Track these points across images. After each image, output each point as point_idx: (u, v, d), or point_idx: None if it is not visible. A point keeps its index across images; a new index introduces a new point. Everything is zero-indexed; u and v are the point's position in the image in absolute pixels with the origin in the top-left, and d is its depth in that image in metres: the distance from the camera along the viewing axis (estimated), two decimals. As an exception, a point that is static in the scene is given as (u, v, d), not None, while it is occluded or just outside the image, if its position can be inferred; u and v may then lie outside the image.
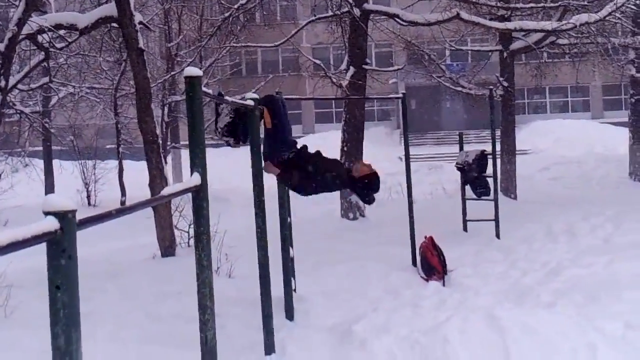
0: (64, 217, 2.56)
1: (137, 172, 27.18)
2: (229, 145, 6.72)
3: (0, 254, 2.28)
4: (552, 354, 6.35)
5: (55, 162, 28.01)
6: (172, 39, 26.40)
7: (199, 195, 4.38)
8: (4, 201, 22.08)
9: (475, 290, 8.87)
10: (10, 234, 2.36)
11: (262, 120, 6.99)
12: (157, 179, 11.88)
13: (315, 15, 17.27)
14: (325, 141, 40.86)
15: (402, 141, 11.29)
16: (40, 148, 28.20)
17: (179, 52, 26.56)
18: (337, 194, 15.97)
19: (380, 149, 38.18)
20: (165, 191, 3.95)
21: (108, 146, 31.66)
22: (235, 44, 24.12)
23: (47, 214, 2.58)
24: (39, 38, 10.88)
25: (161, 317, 8.32)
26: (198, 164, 4.40)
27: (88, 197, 26.89)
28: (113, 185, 26.63)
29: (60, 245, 2.57)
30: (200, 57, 24.78)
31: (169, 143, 28.11)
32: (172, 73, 25.27)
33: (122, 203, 25.33)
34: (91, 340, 5.47)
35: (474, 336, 6.85)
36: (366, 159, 16.07)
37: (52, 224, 2.54)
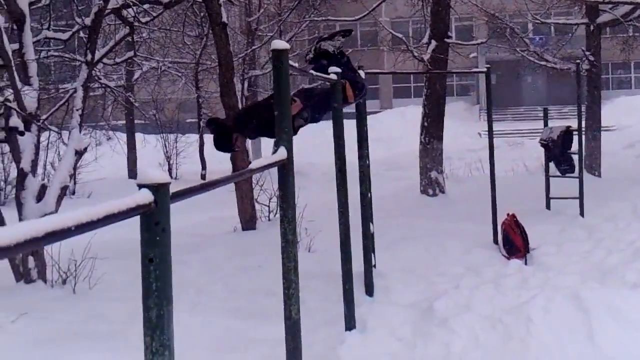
0: (158, 190, 2.57)
1: (217, 146, 27.57)
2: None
3: (97, 227, 2.31)
4: (638, 335, 6.20)
5: (138, 136, 28.55)
6: (253, 13, 26.48)
7: (285, 169, 4.38)
8: (88, 174, 22.62)
9: (559, 270, 8.69)
10: (106, 207, 2.39)
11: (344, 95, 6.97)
12: (239, 154, 11.98)
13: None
14: (404, 116, 40.91)
15: (482, 117, 11.12)
16: (123, 122, 28.77)
17: (259, 27, 26.65)
18: (417, 171, 15.88)
19: (460, 125, 37.81)
20: (254, 164, 3.96)
21: (189, 120, 32.07)
22: (315, 18, 24.08)
23: (141, 186, 2.60)
24: (124, 12, 11.03)
25: (242, 290, 8.42)
26: (284, 137, 4.40)
27: (169, 170, 27.35)
28: (193, 159, 27.05)
29: (154, 218, 2.59)
30: (280, 31, 24.81)
31: (248, 117, 28.29)
32: (253, 47, 25.38)
33: (203, 176, 25.70)
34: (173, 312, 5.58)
35: (558, 316, 6.72)
36: (446, 134, 15.97)
37: (147, 196, 2.55)
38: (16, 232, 1.95)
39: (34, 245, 2.02)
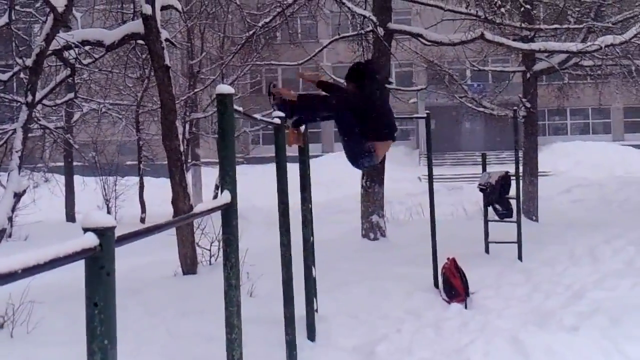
0: (104, 233, 2.56)
1: (157, 189, 27.38)
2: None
3: (44, 270, 2.29)
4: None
5: (78, 178, 28.19)
6: (195, 56, 26.55)
7: (229, 213, 4.39)
8: (25, 216, 22.21)
9: (498, 313, 8.81)
10: (52, 251, 2.37)
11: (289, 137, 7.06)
12: (180, 196, 11.90)
13: (339, 34, 17.28)
14: (345, 160, 41.14)
15: (421, 161, 11.28)
16: (62, 164, 28.38)
17: (201, 69, 26.71)
18: (358, 214, 15.97)
19: (400, 169, 38.18)
20: (198, 208, 3.96)
21: (128, 162, 31.82)
22: (257, 62, 24.21)
23: (86, 230, 2.58)
24: (65, 54, 10.97)
25: (183, 335, 8.32)
26: (229, 181, 4.41)
27: (108, 213, 26.98)
28: (133, 202, 26.77)
29: (99, 262, 2.57)
30: (222, 75, 24.89)
31: (189, 160, 28.25)
32: (195, 90, 25.40)
33: (142, 220, 25.43)
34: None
35: (497, 359, 6.81)
36: (387, 178, 16.13)
37: (92, 240, 2.54)
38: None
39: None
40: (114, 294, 2.65)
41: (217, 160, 15.10)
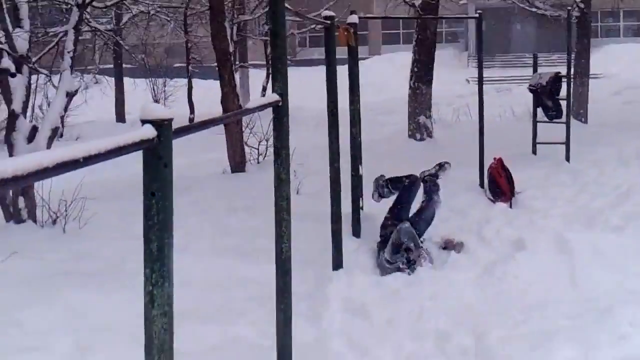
0: (161, 125, 2.66)
1: (205, 91, 27.51)
2: None
3: (103, 159, 2.39)
4: (621, 278, 6.38)
5: (127, 80, 28.42)
6: (243, -43, 26.19)
7: (280, 109, 4.47)
8: (76, 117, 22.56)
9: (544, 213, 8.83)
10: (111, 141, 2.48)
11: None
12: (229, 96, 12.04)
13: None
14: (392, 62, 40.74)
15: (470, 64, 11.17)
16: (112, 66, 28.59)
17: (248, -30, 26.38)
18: (405, 117, 15.96)
19: (448, 71, 37.72)
20: (250, 104, 4.05)
21: (177, 65, 31.90)
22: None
23: (144, 122, 2.68)
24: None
25: (232, 230, 8.55)
26: (279, 79, 4.48)
27: (159, 112, 27.23)
28: (181, 103, 26.97)
29: (156, 153, 2.68)
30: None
31: (236, 62, 28.22)
32: (243, -9, 25.16)
33: (191, 120, 25.67)
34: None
35: (542, 257, 6.91)
36: (435, 80, 16.02)
37: (150, 131, 2.64)
38: (27, 162, 2.02)
39: (43, 175, 2.08)
40: (171, 185, 2.76)
41: (265, 63, 15.24)
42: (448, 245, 7.57)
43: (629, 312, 5.38)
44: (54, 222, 9.05)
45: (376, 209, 8.86)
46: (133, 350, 3.59)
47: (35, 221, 9.11)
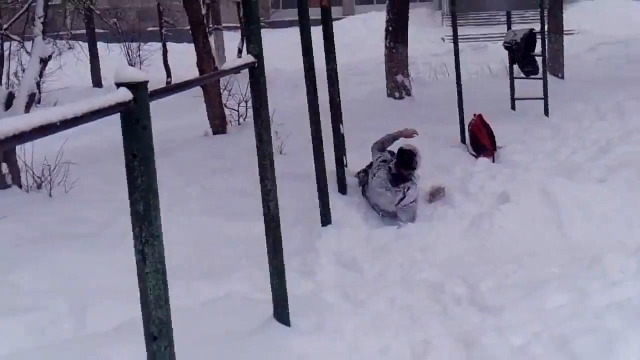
0: (137, 88, 2.60)
1: (180, 55, 27.22)
2: None
3: (80, 123, 2.34)
4: (607, 227, 6.41)
5: (101, 45, 28.08)
6: None
7: (256, 70, 4.41)
8: (52, 83, 22.32)
9: (526, 166, 8.85)
10: (87, 104, 2.42)
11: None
12: (205, 59, 11.93)
13: None
14: (366, 23, 40.46)
15: (444, 22, 11.10)
16: (84, 31, 28.20)
17: None
18: (382, 76, 15.88)
19: (423, 30, 37.56)
20: (226, 65, 3.99)
21: (150, 28, 31.54)
22: None
23: (119, 85, 2.62)
24: None
25: (217, 190, 8.57)
26: (254, 40, 4.42)
27: (134, 77, 27.01)
28: (157, 67, 26.73)
29: (134, 115, 2.62)
30: None
31: (210, 25, 27.95)
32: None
33: (168, 84, 25.46)
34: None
35: (527, 209, 6.94)
36: (410, 39, 15.90)
37: (126, 94, 2.58)
38: (4, 127, 1.97)
39: (20, 140, 2.04)
40: (151, 147, 2.72)
41: (238, 25, 15.05)
42: (434, 194, 7.66)
43: (618, 260, 5.45)
44: (39, 186, 9.20)
45: (360, 166, 8.84)
46: (128, 307, 3.60)
47: (20, 186, 9.28)
